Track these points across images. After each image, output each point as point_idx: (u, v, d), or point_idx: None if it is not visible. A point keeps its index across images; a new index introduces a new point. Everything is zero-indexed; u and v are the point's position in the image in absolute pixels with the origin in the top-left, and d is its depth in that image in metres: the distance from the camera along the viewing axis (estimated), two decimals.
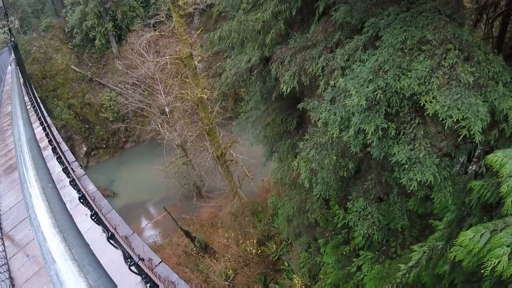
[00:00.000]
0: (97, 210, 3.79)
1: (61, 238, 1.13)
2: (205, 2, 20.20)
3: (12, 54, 23.54)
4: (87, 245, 1.20)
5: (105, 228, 3.46)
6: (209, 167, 22.52)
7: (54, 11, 38.44)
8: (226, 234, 17.55)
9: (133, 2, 33.24)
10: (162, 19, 23.60)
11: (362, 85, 5.28)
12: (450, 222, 5.95)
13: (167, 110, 23.19)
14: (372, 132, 5.18)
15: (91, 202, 4.03)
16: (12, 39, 15.11)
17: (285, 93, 7.00)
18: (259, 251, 15.68)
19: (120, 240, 3.17)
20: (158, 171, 22.31)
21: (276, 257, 15.37)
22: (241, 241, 16.56)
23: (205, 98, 18.68)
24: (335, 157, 6.31)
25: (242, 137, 18.72)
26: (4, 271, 3.84)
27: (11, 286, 3.67)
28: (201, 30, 21.94)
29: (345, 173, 6.77)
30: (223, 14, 18.45)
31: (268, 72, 8.47)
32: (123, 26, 32.77)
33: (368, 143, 5.44)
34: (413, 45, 5.33)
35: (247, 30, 8.42)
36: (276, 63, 7.68)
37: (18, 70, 8.20)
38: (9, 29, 19.17)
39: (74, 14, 33.79)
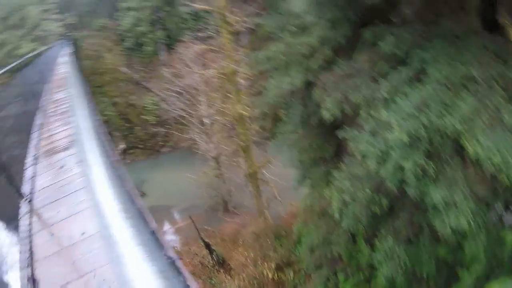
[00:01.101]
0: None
1: (128, 223, 1.12)
2: (254, 21, 20.41)
3: (68, 48, 24.81)
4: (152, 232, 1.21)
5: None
6: (239, 183, 22.46)
7: (108, 13, 40.05)
8: (246, 253, 17.28)
9: (184, 14, 34.39)
10: (211, 33, 24.03)
11: (404, 119, 5.12)
12: (478, 273, 5.58)
13: (206, 121, 23.48)
14: (410, 170, 4.97)
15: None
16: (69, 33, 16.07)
17: (325, 119, 6.87)
18: (276, 276, 15.29)
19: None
20: (189, 179, 22.45)
21: (293, 286, 14.91)
22: (259, 263, 16.22)
23: (245, 115, 18.71)
24: (369, 191, 6.09)
25: (276, 158, 18.60)
26: (27, 243, 4.18)
27: (30, 258, 3.91)
28: (248, 48, 22.13)
29: (377, 209, 6.48)
30: (270, 34, 18.62)
31: (309, 96, 8.39)
32: (173, 36, 33.82)
33: (405, 180, 5.21)
34: (457, 81, 5.14)
35: (293, 53, 8.40)
36: (319, 88, 7.60)
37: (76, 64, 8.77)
38: (66, 24, 20.11)
39: (127, 18, 35.43)
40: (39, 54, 17.12)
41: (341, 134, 7.02)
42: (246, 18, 20.01)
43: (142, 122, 33.19)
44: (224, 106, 20.63)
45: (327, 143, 9.60)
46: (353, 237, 9.67)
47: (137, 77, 35.04)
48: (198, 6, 21.78)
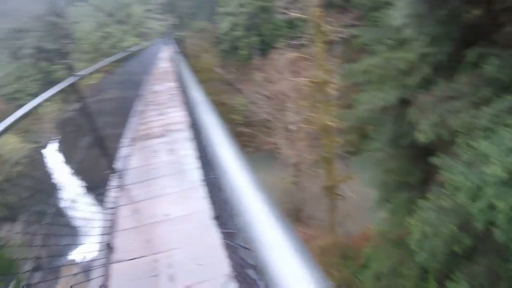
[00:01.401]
0: None
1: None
2: (349, 32, 20.05)
3: (169, 45, 26.44)
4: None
5: None
6: (315, 194, 22.07)
7: (207, 17, 41.81)
8: None
9: (279, 21, 34.89)
10: (305, 42, 23.93)
11: (504, 154, 4.54)
12: None
13: (292, 128, 23.46)
14: (503, 210, 4.39)
15: None
16: (176, 33, 17.34)
17: (418, 142, 6.39)
18: None
19: None
20: (266, 181, 22.51)
21: None
22: None
23: (332, 126, 18.40)
24: (453, 227, 5.51)
25: (357, 175, 18.00)
26: (111, 214, 4.59)
27: (110, 227, 4.30)
28: (341, 59, 21.69)
29: (458, 248, 5.83)
30: (365, 46, 18.01)
31: (403, 115, 7.90)
32: (267, 42, 34.65)
33: (494, 221, 4.62)
34: None
35: (389, 68, 8.00)
36: (414, 108, 7.12)
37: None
38: (168, 24, 21.36)
39: (225, 23, 36.87)
40: (142, 48, 18.45)
41: (433, 160, 6.44)
42: (341, 28, 19.75)
43: (230, 120, 34.11)
44: (311, 115, 20.43)
45: (416, 167, 8.96)
46: (425, 273, 8.91)
47: (230, 78, 36.29)
48: (293, 14, 21.96)
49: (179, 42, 32.94)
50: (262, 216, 1.07)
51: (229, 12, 36.63)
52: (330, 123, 18.16)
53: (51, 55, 38.42)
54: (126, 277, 3.51)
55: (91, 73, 5.94)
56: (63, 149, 30.94)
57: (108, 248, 3.86)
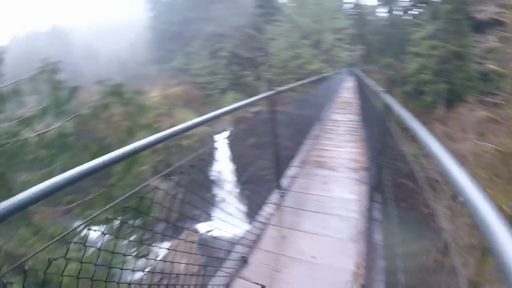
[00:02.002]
0: None
1: None
2: None
3: (354, 76, 26.80)
4: None
5: None
6: (452, 283, 19.72)
7: (395, 54, 40.85)
8: None
9: (472, 71, 31.81)
10: (499, 101, 21.78)
11: None
12: None
13: (459, 198, 21.47)
14: None
15: None
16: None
17: None
18: None
19: None
20: (407, 245, 21.03)
21: None
22: None
23: (507, 213, 16.27)
24: None
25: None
26: (258, 228, 4.48)
27: (253, 241, 4.18)
28: None
29: None
30: None
31: None
32: (456, 93, 31.74)
33: None
34: None
35: None
36: None
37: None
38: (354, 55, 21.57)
39: (413, 63, 34.78)
40: (329, 75, 19.19)
41: None
42: None
43: (395, 168, 32.74)
44: (486, 190, 18.30)
45: None
46: None
47: None
48: (489, 66, 20.09)
49: (362, 75, 32.90)
50: None
51: (419, 53, 34.67)
52: (505, 207, 16.00)
53: (243, 61, 43.40)
54: None
55: (286, 90, 5.94)
56: (231, 140, 34.13)
57: (242, 261, 3.81)
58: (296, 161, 7.31)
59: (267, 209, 4.96)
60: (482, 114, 21.28)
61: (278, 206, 5.11)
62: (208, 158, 32.99)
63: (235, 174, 30.87)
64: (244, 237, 4.06)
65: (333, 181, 6.21)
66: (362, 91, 11.74)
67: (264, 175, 5.54)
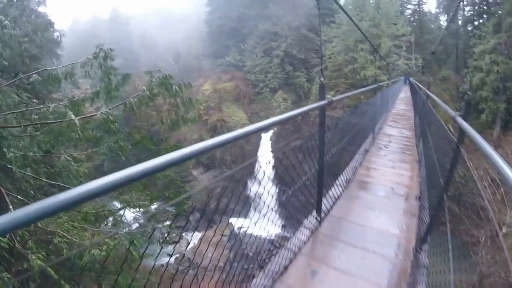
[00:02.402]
0: None
1: None
2: None
3: (409, 86, 25.80)
4: None
5: None
6: None
7: (455, 66, 39.09)
8: None
9: None
10: None
11: None
12: None
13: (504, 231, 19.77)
14: None
15: None
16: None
17: None
18: None
19: None
20: (443, 273, 19.72)
21: None
22: None
23: None
24: None
25: None
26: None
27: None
28: None
29: None
30: None
31: None
32: None
33: None
34: None
35: None
36: None
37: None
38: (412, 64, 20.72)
39: (474, 78, 32.62)
40: (385, 84, 18.21)
41: None
42: None
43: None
44: None
45: None
46: None
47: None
48: None
49: (421, 88, 31.63)
50: None
51: (479, 67, 32.60)
52: None
53: (296, 62, 43.26)
54: None
55: (340, 100, 5.25)
56: (274, 139, 34.39)
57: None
58: (341, 179, 6.19)
59: (300, 234, 4.39)
60: None
61: (313, 232, 4.57)
62: (251, 154, 33.24)
63: (275, 176, 30.87)
64: (269, 265, 3.66)
65: (378, 209, 5.51)
66: (420, 105, 11.06)
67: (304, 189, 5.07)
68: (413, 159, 8.44)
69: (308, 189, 4.36)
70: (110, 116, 7.61)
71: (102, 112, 7.59)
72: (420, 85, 16.15)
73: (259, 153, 33.16)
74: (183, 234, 31.11)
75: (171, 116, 8.79)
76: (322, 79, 4.04)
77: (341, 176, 6.42)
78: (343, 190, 5.96)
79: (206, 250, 2.65)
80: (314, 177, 4.47)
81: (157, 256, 2.35)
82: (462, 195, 21.73)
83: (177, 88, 8.13)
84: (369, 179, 6.89)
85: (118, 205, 9.63)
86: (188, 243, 29.26)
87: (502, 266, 16.19)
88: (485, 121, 31.07)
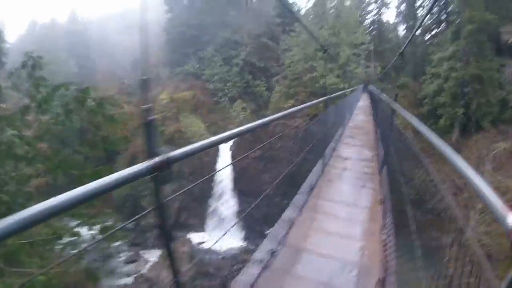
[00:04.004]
0: None
1: None
2: None
3: (369, 95, 25.58)
4: None
5: None
6: None
7: (413, 73, 39.63)
8: None
9: (491, 98, 29.84)
10: None
11: None
12: None
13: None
14: None
15: None
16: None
17: None
18: None
19: None
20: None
21: None
22: None
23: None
24: None
25: None
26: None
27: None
28: None
29: None
30: None
31: None
32: (473, 119, 30.12)
33: None
34: None
35: None
36: None
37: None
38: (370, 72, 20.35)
39: (431, 85, 33.33)
40: (343, 93, 17.21)
41: None
42: None
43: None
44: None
45: None
46: None
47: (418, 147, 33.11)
48: None
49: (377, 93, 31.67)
50: None
51: (438, 74, 33.23)
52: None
53: (255, 70, 42.37)
54: None
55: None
56: (234, 149, 33.65)
57: None
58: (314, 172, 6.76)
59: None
60: (500, 146, 19.94)
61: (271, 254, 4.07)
62: (210, 165, 32.36)
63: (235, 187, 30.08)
64: None
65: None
66: (384, 117, 9.33)
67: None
68: (375, 200, 6.33)
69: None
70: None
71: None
72: (378, 91, 15.42)
73: (218, 165, 32.30)
74: (141, 252, 30.11)
75: (89, 137, 7.69)
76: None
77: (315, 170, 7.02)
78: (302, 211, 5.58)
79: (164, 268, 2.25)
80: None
81: None
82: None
83: (92, 104, 7.03)
84: (304, 257, 4.34)
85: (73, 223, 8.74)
86: (147, 262, 28.36)
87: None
88: (444, 126, 31.43)
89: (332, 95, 5.72)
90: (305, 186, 6.59)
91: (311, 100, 9.11)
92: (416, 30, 26.45)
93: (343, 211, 5.83)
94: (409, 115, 3.91)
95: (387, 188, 6.24)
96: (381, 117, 10.68)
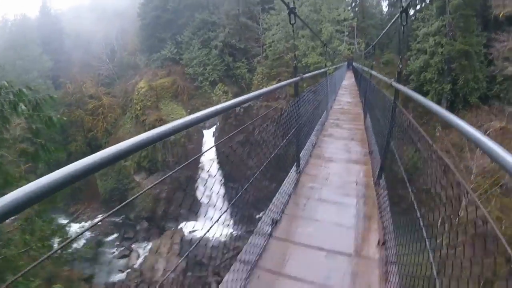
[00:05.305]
0: None
1: None
2: None
3: (354, 73, 24.75)
4: None
5: None
6: None
7: (398, 50, 38.65)
8: None
9: (478, 73, 29.34)
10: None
11: None
12: None
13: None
14: None
15: None
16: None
17: None
18: None
19: None
20: None
21: None
22: None
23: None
24: None
25: None
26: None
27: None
28: None
29: None
30: None
31: None
32: (461, 95, 29.49)
33: None
34: None
35: None
36: None
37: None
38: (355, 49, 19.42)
39: (417, 61, 32.42)
40: (330, 71, 15.48)
41: None
42: None
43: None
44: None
45: None
46: None
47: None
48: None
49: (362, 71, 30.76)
50: None
51: (423, 50, 32.29)
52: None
53: (235, 52, 40.94)
54: None
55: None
56: (217, 135, 32.93)
57: None
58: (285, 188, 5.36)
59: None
60: (486, 122, 19.08)
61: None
62: (195, 152, 31.63)
63: (222, 175, 29.19)
64: None
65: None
66: (374, 99, 8.06)
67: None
68: (381, 224, 4.27)
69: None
70: None
71: None
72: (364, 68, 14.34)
73: (203, 150, 31.54)
74: (133, 245, 29.70)
75: (22, 147, 6.47)
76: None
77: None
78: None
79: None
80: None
81: None
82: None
83: (23, 107, 5.77)
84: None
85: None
86: (139, 256, 27.99)
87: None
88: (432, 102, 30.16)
89: (306, 74, 4.74)
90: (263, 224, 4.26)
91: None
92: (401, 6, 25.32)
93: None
94: (380, 75, 4.77)
95: (390, 217, 4.13)
96: (370, 100, 9.64)
